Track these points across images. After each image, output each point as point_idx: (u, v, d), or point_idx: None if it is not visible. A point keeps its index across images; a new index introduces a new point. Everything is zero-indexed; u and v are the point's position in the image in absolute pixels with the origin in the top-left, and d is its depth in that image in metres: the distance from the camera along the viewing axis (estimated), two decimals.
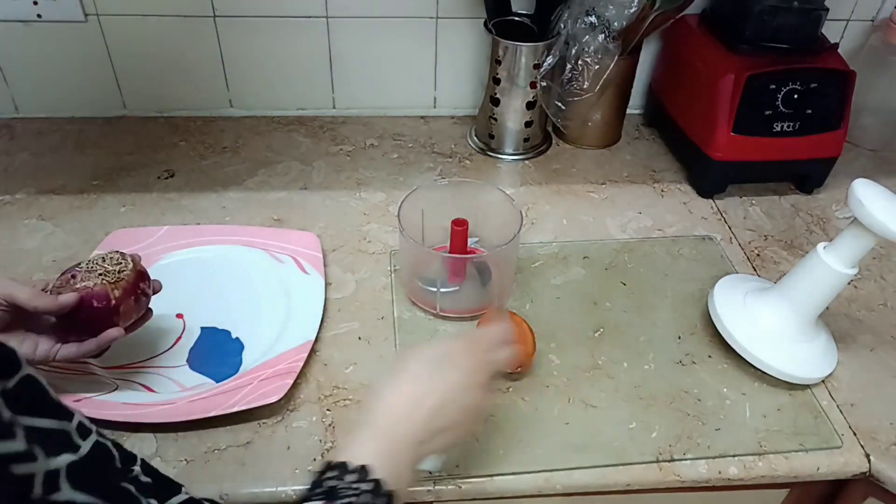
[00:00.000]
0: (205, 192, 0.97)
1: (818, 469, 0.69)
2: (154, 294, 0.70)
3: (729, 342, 0.77)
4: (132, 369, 0.72)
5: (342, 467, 0.49)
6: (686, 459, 0.68)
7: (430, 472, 0.64)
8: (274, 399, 0.68)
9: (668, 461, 0.68)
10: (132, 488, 0.43)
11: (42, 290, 0.64)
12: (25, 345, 0.64)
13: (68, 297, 0.62)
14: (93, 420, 0.67)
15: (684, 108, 1.04)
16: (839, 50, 0.96)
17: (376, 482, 0.48)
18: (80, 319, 0.63)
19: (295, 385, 0.71)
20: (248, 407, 0.67)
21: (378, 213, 0.95)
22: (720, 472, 0.67)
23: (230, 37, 1.05)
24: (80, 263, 0.66)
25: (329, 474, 0.48)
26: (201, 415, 0.67)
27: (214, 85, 1.10)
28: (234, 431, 0.68)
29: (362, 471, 0.48)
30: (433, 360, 0.55)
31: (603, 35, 0.98)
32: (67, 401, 0.66)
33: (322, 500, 0.46)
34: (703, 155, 0.98)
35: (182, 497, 0.48)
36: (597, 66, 0.99)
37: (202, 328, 0.77)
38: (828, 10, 0.92)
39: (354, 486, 0.47)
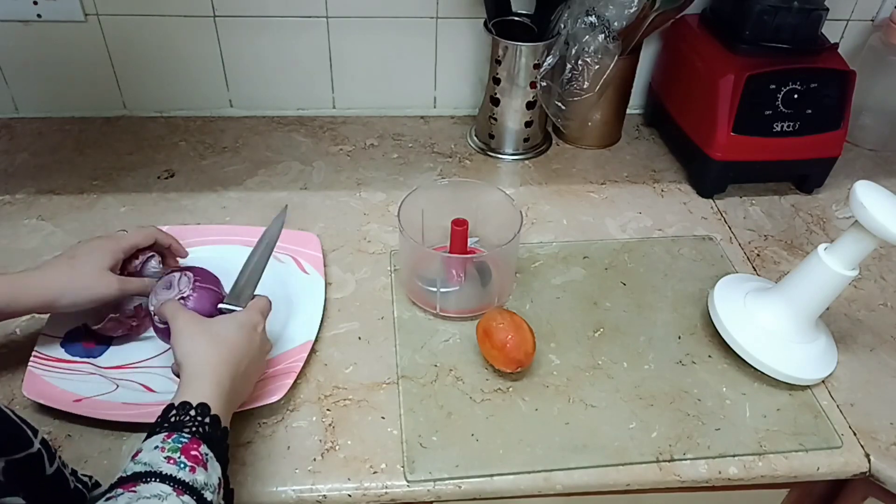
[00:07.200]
0: (205, 192, 0.97)
1: (818, 469, 0.69)
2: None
3: (729, 342, 0.77)
4: (132, 369, 0.72)
5: (184, 406, 0.55)
6: (686, 459, 0.68)
7: None
8: (274, 399, 0.68)
9: (668, 461, 0.68)
10: None
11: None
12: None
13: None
14: (93, 420, 0.67)
15: (684, 108, 1.04)
16: (839, 50, 0.96)
17: (215, 417, 0.56)
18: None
19: (295, 385, 0.71)
20: (248, 407, 0.67)
21: (378, 213, 0.95)
22: (720, 472, 0.68)
23: (230, 37, 1.05)
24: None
25: (172, 413, 0.55)
26: None
27: (214, 85, 1.10)
28: (234, 431, 0.67)
29: (203, 407, 0.55)
30: (241, 328, 0.63)
31: (603, 35, 0.98)
32: (68, 400, 0.66)
33: (167, 431, 0.53)
34: (703, 155, 0.98)
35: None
36: (597, 66, 0.99)
37: None
38: (828, 10, 0.92)
39: (197, 419, 0.54)
